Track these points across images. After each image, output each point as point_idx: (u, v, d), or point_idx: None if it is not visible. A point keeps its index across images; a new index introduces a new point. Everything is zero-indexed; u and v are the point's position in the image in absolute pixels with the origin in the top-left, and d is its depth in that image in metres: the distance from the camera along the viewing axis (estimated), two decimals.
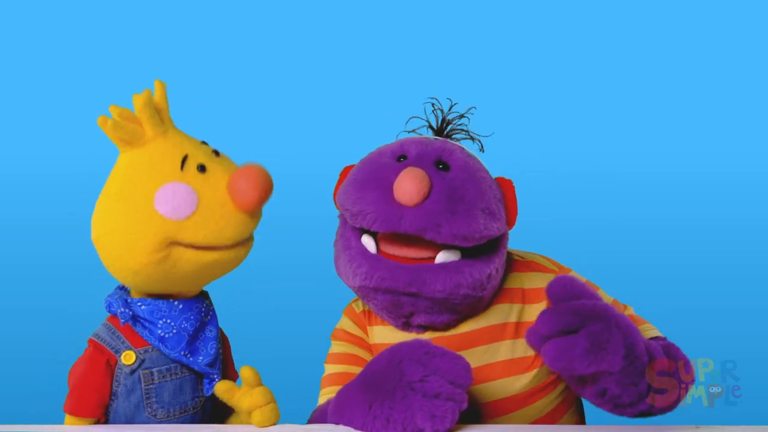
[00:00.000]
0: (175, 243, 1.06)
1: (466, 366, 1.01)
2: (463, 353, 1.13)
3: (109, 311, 1.13)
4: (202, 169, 1.08)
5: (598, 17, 2.10)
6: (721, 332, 1.77)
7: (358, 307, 1.25)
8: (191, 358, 1.12)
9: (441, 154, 1.15)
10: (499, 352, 1.15)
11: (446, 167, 1.14)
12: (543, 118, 2.06)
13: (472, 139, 1.25)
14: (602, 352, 0.97)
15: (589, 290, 1.04)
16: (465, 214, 1.09)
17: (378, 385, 1.01)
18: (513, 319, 1.17)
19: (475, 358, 1.15)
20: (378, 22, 2.11)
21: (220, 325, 1.20)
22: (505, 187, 1.19)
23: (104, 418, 1.13)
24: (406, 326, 1.18)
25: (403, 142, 1.19)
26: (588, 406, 1.26)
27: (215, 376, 1.15)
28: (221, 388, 1.10)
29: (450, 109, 1.25)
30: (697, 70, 2.08)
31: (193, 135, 1.15)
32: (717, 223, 2.01)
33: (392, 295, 1.12)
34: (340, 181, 1.23)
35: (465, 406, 1.00)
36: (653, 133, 2.08)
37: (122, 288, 1.18)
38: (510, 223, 1.18)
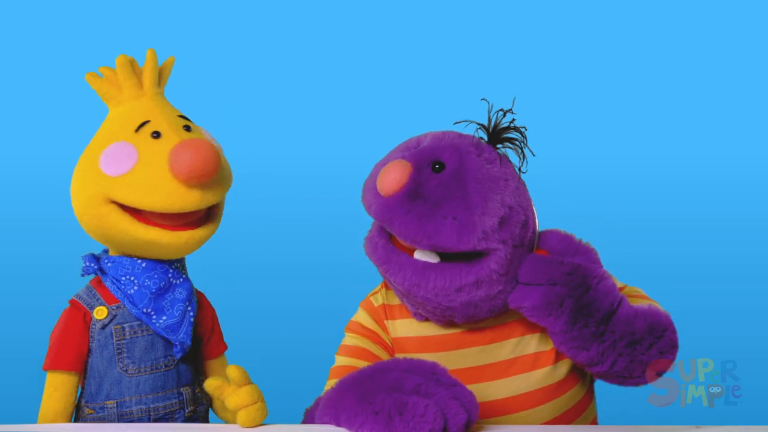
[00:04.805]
0: (110, 200, 1.11)
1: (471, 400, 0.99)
2: (496, 345, 1.15)
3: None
4: (156, 135, 1.12)
5: (607, 20, 2.11)
6: (721, 332, 1.77)
7: (377, 300, 1.23)
8: (154, 318, 1.14)
9: (443, 154, 1.11)
10: (531, 344, 1.15)
11: (441, 168, 1.11)
12: (543, 118, 2.06)
13: (519, 154, 1.14)
14: (548, 311, 1.05)
15: (583, 248, 1.12)
16: (418, 215, 1.06)
17: (374, 385, 0.99)
18: None
19: (508, 350, 1.15)
20: (388, 23, 2.12)
21: (224, 321, 1.21)
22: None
23: (83, 374, 1.16)
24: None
25: (428, 134, 1.17)
26: (598, 404, 1.26)
27: (177, 344, 1.15)
28: (212, 385, 1.09)
29: (497, 113, 1.15)
30: (694, 69, 2.09)
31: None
32: (717, 224, 2.01)
33: None
34: None
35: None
36: (652, 133, 2.08)
37: (106, 250, 1.21)
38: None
